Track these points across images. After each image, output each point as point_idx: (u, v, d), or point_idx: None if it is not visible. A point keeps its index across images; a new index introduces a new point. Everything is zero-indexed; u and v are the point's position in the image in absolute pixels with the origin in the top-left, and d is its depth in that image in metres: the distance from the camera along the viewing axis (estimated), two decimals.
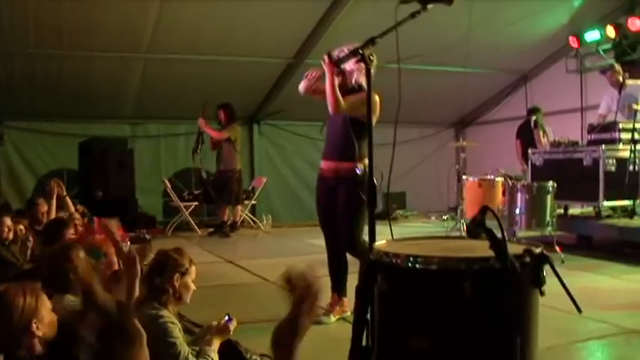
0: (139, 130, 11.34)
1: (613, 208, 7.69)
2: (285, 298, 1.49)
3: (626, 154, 7.39)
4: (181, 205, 9.99)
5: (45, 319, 2.22)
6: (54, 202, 6.35)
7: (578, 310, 2.00)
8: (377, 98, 4.21)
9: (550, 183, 6.90)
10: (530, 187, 6.88)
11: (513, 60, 11.13)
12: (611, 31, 9.51)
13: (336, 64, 4.10)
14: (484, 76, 11.44)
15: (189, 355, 2.96)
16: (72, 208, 6.86)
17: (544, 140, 8.73)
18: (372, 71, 2.49)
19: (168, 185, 10.17)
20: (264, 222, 10.86)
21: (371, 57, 2.49)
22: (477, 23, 9.08)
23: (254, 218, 10.99)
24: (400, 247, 2.14)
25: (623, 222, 7.30)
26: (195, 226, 9.98)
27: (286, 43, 9.73)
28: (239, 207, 10.02)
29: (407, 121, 12.65)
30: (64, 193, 6.71)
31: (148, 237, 8.05)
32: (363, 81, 4.30)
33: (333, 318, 4.64)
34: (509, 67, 11.53)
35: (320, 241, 5.00)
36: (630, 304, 5.03)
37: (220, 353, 3.31)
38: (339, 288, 4.63)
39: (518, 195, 6.86)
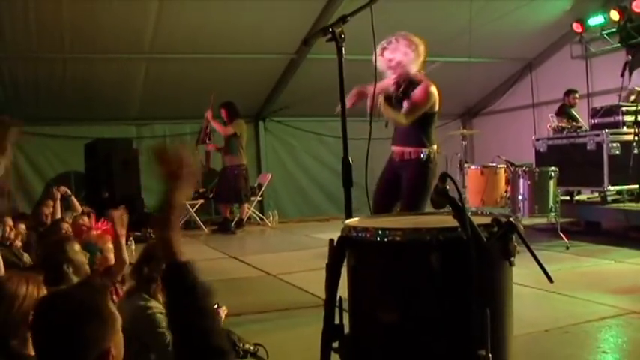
0: (145, 131, 11.38)
1: (619, 193, 7.62)
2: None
3: (630, 137, 7.31)
4: (186, 203, 10.01)
5: None
6: (58, 204, 6.41)
7: (550, 279, 1.96)
8: (434, 90, 4.49)
9: (552, 168, 6.84)
10: (532, 173, 6.82)
11: (517, 48, 11.03)
12: (615, 15, 9.38)
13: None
14: (488, 66, 11.36)
15: None
16: (79, 208, 6.91)
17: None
18: (344, 50, 2.46)
19: None
20: (271, 218, 10.86)
21: (342, 35, 2.47)
22: (477, 12, 9.02)
23: (261, 215, 11.00)
24: (369, 223, 2.12)
25: (629, 206, 7.22)
26: (202, 224, 10.00)
27: (288, 39, 9.71)
28: (246, 204, 10.04)
29: None
30: (69, 194, 6.77)
31: (153, 236, 8.07)
32: (414, 69, 4.51)
33: None
34: (513, 56, 11.45)
35: (326, 235, 4.99)
36: (632, 286, 4.98)
37: None
38: None
39: (521, 181, 6.81)
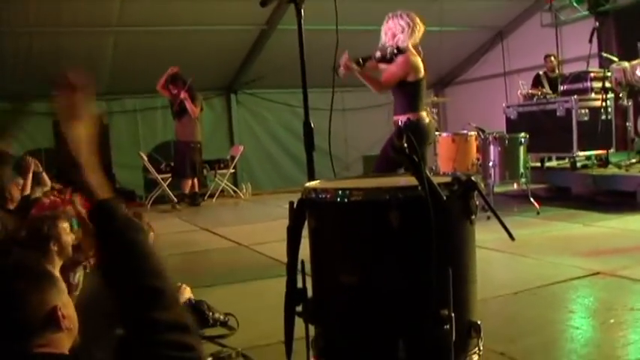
0: (115, 106, 11.22)
1: (588, 158, 7.70)
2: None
3: (598, 103, 7.36)
4: (159, 177, 9.93)
5: None
6: (29, 178, 6.29)
7: (511, 237, 1.97)
8: (413, 60, 4.86)
9: (522, 135, 6.87)
10: (502, 139, 6.85)
11: (488, 16, 11.04)
12: None
13: (358, 64, 4.80)
14: (460, 34, 11.36)
15: None
16: (49, 184, 6.81)
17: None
18: (303, 12, 2.42)
19: (145, 159, 10.10)
20: (244, 190, 10.83)
21: None
22: None
23: (234, 187, 10.96)
24: (329, 184, 2.11)
25: (597, 171, 7.30)
26: (174, 198, 9.93)
27: (257, 10, 9.54)
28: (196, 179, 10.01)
29: None
30: (40, 169, 6.65)
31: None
32: (404, 41, 4.90)
33: None
34: (484, 24, 11.46)
35: None
36: (599, 249, 5.05)
37: None
38: None
39: (491, 148, 6.84)
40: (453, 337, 1.86)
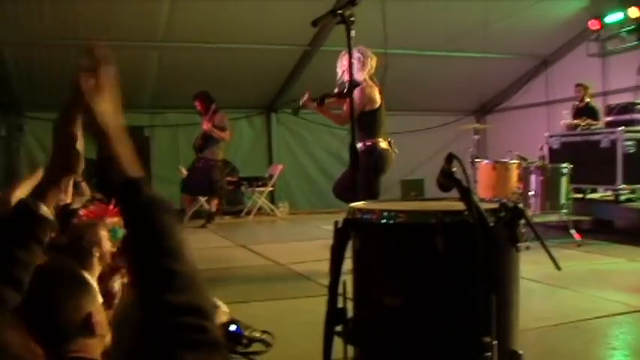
0: (157, 120, 11.40)
1: (633, 192, 7.53)
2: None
3: None
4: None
5: None
6: (70, 187, 6.39)
7: (557, 267, 1.93)
8: (369, 91, 5.35)
9: (565, 165, 6.77)
10: (544, 169, 6.75)
11: (533, 45, 10.94)
12: (634, 12, 9.28)
13: (321, 101, 5.47)
14: (503, 62, 11.28)
15: None
16: (88, 193, 6.92)
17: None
18: (353, 33, 2.43)
19: (184, 173, 10.19)
20: (281, 209, 10.86)
21: (351, 18, 2.44)
22: (493, 7, 8.96)
23: (271, 205, 11.00)
24: (375, 206, 2.10)
25: None
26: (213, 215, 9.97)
27: (302, 30, 9.67)
28: (216, 200, 9.87)
29: (428, 108, 12.59)
30: (80, 178, 6.76)
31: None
32: (360, 75, 5.35)
33: None
34: (528, 52, 11.35)
35: None
36: None
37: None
38: None
39: (533, 177, 6.74)
40: None
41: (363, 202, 2.20)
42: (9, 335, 1.05)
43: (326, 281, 2.08)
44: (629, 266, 5.79)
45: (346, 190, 5.19)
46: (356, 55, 5.25)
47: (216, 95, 9.60)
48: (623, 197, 7.48)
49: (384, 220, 1.93)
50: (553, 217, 7.43)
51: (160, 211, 1.18)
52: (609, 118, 7.77)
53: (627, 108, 7.57)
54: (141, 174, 1.24)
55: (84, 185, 6.88)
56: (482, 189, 7.12)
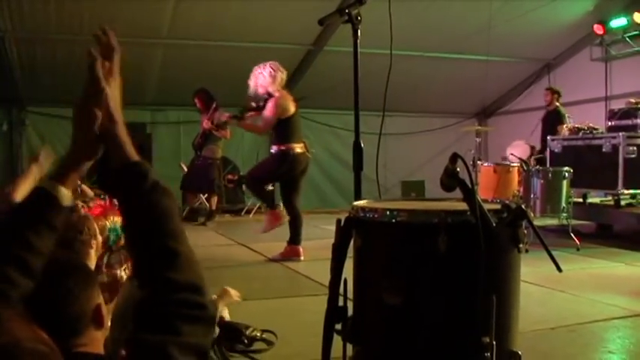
0: (159, 117, 11.41)
1: (633, 197, 7.54)
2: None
3: None
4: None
5: None
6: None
7: (558, 269, 1.93)
8: (280, 102, 6.11)
9: (565, 168, 6.77)
10: (545, 173, 6.76)
11: (536, 48, 10.95)
12: (638, 17, 9.30)
13: (241, 115, 6.57)
14: (506, 65, 11.29)
15: None
16: (91, 193, 6.92)
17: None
18: (359, 32, 2.43)
19: (185, 170, 10.18)
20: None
21: (358, 17, 2.45)
22: (497, 10, 8.96)
23: None
24: (377, 204, 2.10)
25: None
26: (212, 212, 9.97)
27: (305, 30, 9.69)
28: (215, 197, 9.91)
29: (429, 110, 12.58)
30: (79, 182, 6.76)
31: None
32: (272, 88, 6.21)
33: None
34: (532, 56, 11.37)
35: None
36: None
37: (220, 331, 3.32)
38: None
39: (534, 180, 6.75)
40: None
41: (364, 201, 2.21)
42: (19, 329, 1.06)
43: (325, 280, 2.09)
44: (627, 271, 5.81)
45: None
46: (267, 70, 6.17)
47: (218, 93, 9.60)
48: (623, 202, 7.48)
49: (386, 219, 1.94)
50: (552, 221, 7.45)
51: (163, 194, 1.22)
52: (612, 123, 7.77)
53: (629, 113, 7.56)
54: (141, 160, 1.28)
55: (85, 188, 6.90)
56: (483, 191, 7.14)
